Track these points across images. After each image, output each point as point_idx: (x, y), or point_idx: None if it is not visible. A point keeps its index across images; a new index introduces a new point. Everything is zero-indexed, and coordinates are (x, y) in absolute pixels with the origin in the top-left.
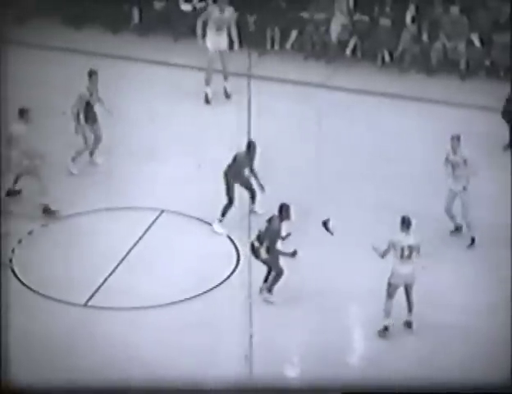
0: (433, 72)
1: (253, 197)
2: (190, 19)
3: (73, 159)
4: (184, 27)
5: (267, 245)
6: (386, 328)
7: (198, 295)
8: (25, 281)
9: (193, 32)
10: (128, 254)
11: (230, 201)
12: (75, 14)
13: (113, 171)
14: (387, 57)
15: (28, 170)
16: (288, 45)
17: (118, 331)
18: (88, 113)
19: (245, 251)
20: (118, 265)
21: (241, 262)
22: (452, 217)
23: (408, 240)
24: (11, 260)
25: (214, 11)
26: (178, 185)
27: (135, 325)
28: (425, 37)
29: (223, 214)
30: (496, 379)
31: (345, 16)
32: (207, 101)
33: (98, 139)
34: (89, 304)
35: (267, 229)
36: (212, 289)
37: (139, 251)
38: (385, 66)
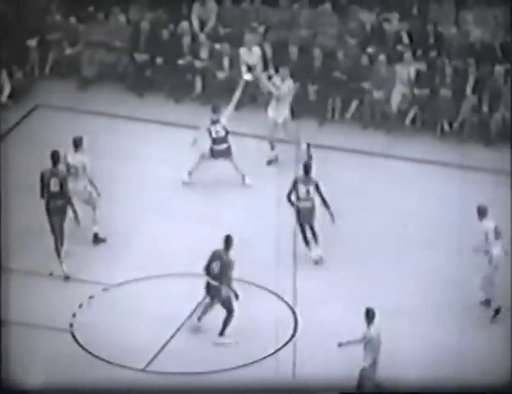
0: (491, 142)
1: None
2: (252, 88)
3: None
4: (246, 96)
5: (226, 283)
6: None
7: (258, 361)
8: (85, 346)
9: (254, 101)
10: (188, 319)
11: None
12: (138, 82)
13: (169, 237)
14: (447, 127)
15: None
16: (348, 115)
17: None
18: None
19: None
20: (178, 330)
21: (300, 327)
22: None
23: (376, 331)
24: (71, 325)
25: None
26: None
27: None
28: (485, 108)
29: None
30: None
31: (405, 87)
32: (269, 163)
33: None
34: (148, 368)
35: (222, 266)
36: (270, 355)
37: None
38: (444, 136)
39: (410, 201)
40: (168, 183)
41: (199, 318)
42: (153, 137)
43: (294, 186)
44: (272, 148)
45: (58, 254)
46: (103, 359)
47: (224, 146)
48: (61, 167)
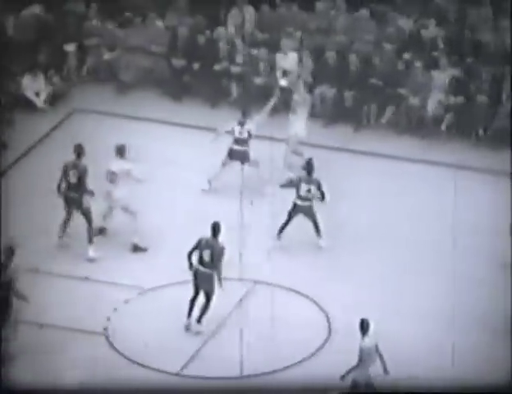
0: None
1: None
2: (288, 94)
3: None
4: (281, 102)
5: (217, 270)
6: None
7: (294, 365)
8: (119, 349)
9: (288, 107)
10: (222, 324)
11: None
12: (175, 87)
13: None
14: (482, 133)
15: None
16: (384, 120)
17: None
18: None
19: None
20: (212, 334)
21: (333, 332)
22: None
23: (370, 342)
24: (106, 328)
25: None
26: (270, 255)
27: None
28: None
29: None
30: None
31: (441, 93)
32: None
33: None
34: (183, 372)
35: (213, 252)
36: (305, 359)
37: (233, 322)
38: (479, 142)
39: (444, 206)
40: (203, 187)
41: (189, 315)
42: (190, 141)
43: (298, 185)
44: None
45: (62, 233)
46: (138, 363)
47: (243, 148)
48: (83, 160)
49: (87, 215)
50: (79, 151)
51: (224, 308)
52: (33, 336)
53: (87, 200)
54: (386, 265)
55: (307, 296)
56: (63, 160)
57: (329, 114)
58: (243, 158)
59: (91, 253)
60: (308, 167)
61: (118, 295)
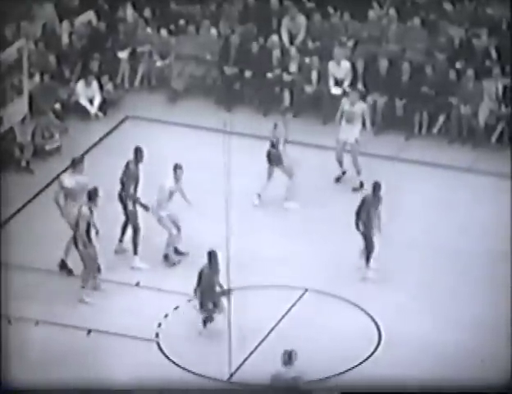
0: None
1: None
2: (340, 102)
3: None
4: (334, 110)
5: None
6: None
7: (340, 374)
8: (169, 356)
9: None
10: (271, 331)
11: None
12: (226, 95)
13: (255, 251)
14: None
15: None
16: (435, 130)
17: None
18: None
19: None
20: (261, 342)
21: (382, 341)
22: None
23: (291, 373)
24: (157, 335)
25: (345, 104)
26: (322, 263)
27: None
28: None
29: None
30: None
31: (493, 102)
32: (337, 180)
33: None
34: (232, 380)
35: (204, 273)
36: (353, 368)
37: (282, 329)
38: None
39: (496, 216)
40: (254, 202)
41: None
42: (241, 150)
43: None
44: (341, 166)
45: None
46: (187, 370)
47: (276, 151)
48: (139, 165)
49: (130, 219)
50: (136, 154)
51: (274, 314)
52: (79, 341)
53: (133, 204)
54: (438, 275)
55: (357, 305)
56: (116, 166)
57: (380, 123)
58: (278, 161)
59: (136, 263)
60: (375, 189)
61: (167, 302)
